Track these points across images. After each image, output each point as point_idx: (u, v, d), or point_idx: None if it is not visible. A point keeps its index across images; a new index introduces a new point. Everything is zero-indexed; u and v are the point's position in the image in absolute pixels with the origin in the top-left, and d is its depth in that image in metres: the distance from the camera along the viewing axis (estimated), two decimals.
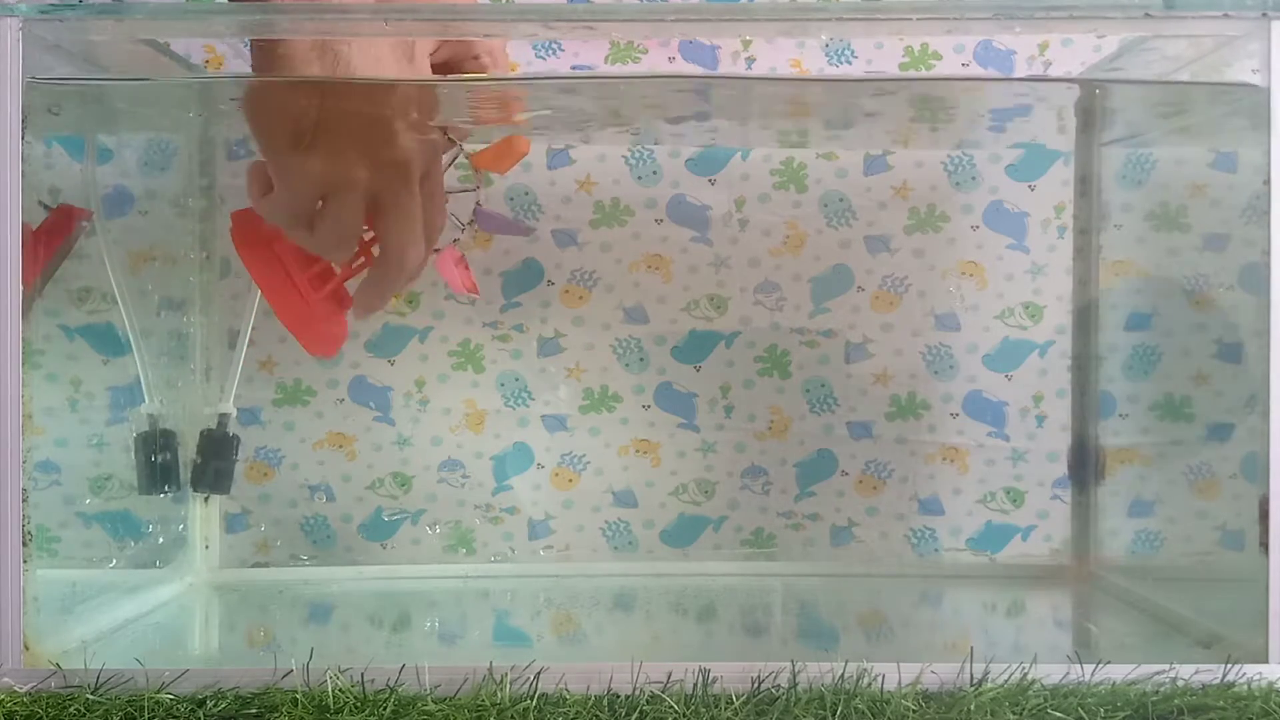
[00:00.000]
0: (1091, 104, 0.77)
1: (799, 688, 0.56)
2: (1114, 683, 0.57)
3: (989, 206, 0.88)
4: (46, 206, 0.73)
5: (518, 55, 0.86)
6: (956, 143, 0.87)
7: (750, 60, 0.87)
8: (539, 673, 0.57)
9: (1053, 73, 0.86)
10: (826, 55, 0.87)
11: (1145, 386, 0.88)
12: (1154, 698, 0.55)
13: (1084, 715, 0.53)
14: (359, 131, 0.65)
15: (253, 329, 0.81)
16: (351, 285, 0.72)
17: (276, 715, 0.53)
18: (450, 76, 0.69)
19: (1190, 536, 0.88)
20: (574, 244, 0.88)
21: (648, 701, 0.54)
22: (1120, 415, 0.88)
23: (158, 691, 0.56)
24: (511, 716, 0.53)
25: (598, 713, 0.53)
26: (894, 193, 0.88)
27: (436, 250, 0.72)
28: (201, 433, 0.82)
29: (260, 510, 0.88)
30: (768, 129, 0.83)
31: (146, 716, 0.53)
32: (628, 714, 0.53)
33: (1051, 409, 0.89)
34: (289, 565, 0.88)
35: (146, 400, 0.80)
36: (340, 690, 0.55)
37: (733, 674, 0.57)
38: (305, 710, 0.53)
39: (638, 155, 0.88)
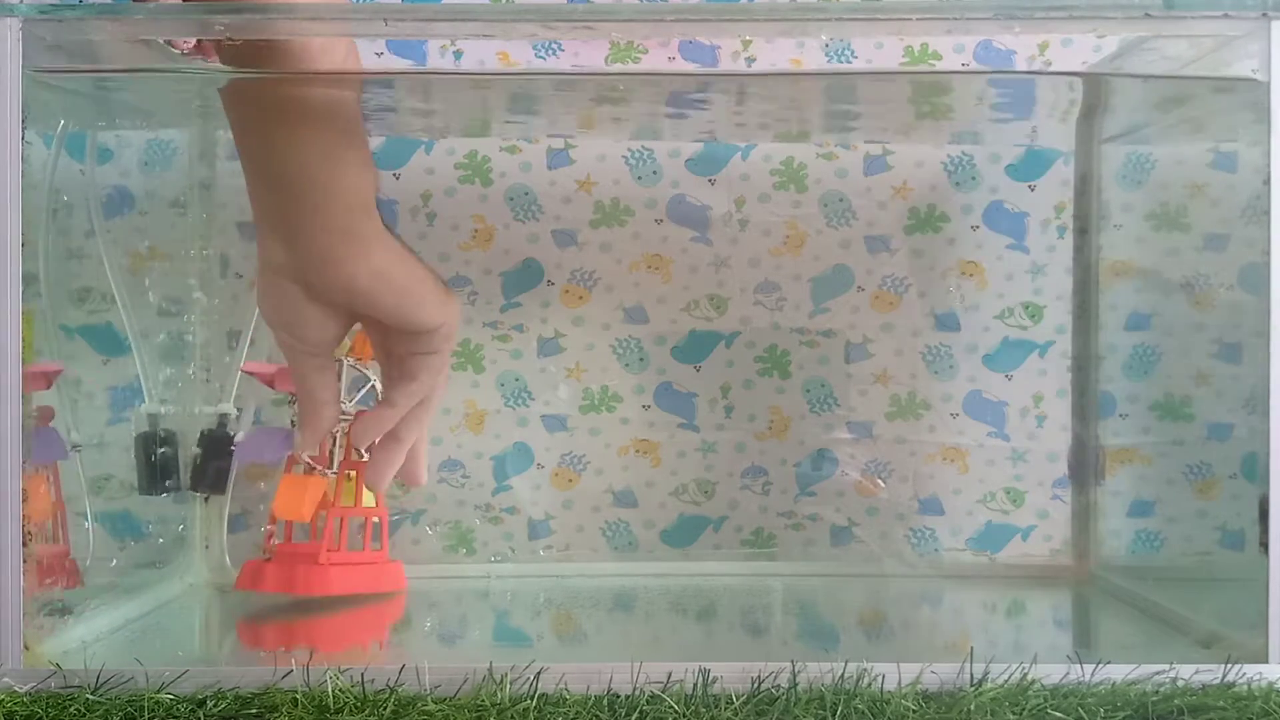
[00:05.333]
0: (1092, 100, 0.77)
1: (799, 688, 0.56)
2: (1114, 683, 0.57)
3: (989, 206, 0.88)
4: None
5: (518, 55, 0.86)
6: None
7: (750, 60, 0.87)
8: (539, 673, 0.57)
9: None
10: (826, 55, 0.87)
11: (1145, 386, 0.88)
12: (1154, 698, 0.55)
13: (1084, 715, 0.53)
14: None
15: (253, 329, 0.81)
16: None
17: (276, 715, 0.53)
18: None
19: (1190, 536, 0.88)
20: (574, 244, 0.88)
21: (648, 701, 0.54)
22: (1120, 415, 0.88)
23: (158, 691, 0.56)
24: (511, 716, 0.53)
25: (598, 713, 0.53)
26: (894, 193, 0.88)
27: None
28: (201, 433, 0.82)
29: (260, 510, 0.88)
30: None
31: (146, 716, 0.53)
32: (628, 714, 0.53)
33: (1051, 409, 0.89)
34: None
35: (146, 400, 0.80)
36: (340, 690, 0.55)
37: (733, 674, 0.57)
38: (305, 710, 0.53)
39: (638, 155, 0.88)
